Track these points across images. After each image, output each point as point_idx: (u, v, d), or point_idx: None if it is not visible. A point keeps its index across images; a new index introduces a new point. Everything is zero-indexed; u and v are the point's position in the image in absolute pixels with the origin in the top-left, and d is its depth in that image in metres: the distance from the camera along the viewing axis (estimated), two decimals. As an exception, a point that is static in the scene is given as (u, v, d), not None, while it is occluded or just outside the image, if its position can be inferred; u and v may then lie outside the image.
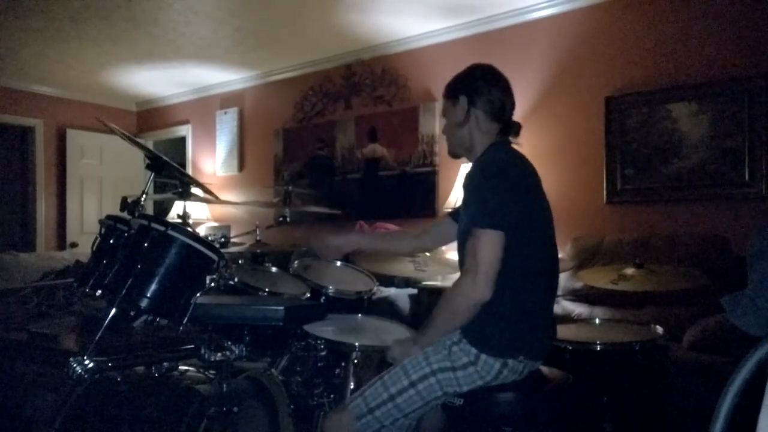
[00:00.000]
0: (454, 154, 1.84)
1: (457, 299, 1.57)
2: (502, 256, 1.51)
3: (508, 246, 1.53)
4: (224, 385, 1.70)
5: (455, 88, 1.78)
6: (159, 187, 6.05)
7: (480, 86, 1.73)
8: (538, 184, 1.70)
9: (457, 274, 1.64)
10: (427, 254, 2.53)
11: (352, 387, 2.06)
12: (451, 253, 2.86)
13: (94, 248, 1.71)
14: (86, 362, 1.47)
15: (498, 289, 1.53)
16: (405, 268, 2.47)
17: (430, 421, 1.81)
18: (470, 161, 1.76)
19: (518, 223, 1.54)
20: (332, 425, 1.66)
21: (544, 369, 1.81)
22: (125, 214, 1.72)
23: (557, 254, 1.78)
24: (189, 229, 1.73)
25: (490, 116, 1.72)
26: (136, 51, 5.25)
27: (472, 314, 1.55)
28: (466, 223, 1.60)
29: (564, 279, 3.52)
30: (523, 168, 1.67)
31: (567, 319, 3.12)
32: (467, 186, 1.65)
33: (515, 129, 1.76)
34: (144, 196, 1.79)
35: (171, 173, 1.98)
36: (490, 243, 1.50)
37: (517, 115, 4.69)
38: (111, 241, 1.66)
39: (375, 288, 2.63)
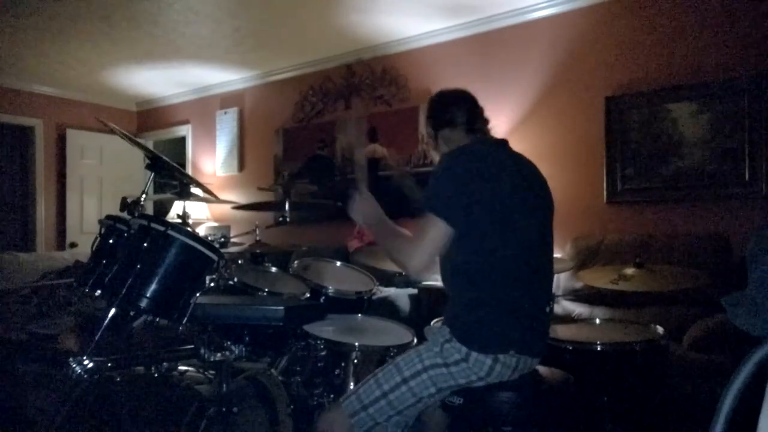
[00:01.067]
0: None
1: (400, 256, 1.66)
2: (443, 247, 1.62)
3: (481, 241, 1.59)
4: (224, 386, 1.72)
5: (426, 124, 1.97)
6: (159, 187, 6.05)
7: (437, 112, 1.91)
8: (510, 175, 1.68)
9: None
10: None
11: (351, 387, 2.06)
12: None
13: (93, 248, 1.71)
14: (86, 362, 1.48)
15: (479, 285, 1.59)
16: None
17: (431, 421, 1.82)
18: None
19: (474, 213, 1.58)
20: (326, 423, 1.68)
21: (545, 369, 1.82)
22: (125, 214, 1.73)
23: (547, 249, 1.77)
24: (189, 229, 1.73)
25: (453, 127, 1.85)
26: (136, 51, 5.25)
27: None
28: (427, 198, 1.65)
29: (564, 279, 3.52)
30: (490, 161, 1.68)
31: (567, 319, 3.12)
32: (440, 166, 1.71)
33: (480, 122, 1.87)
34: (144, 196, 1.79)
35: (171, 173, 1.98)
36: (438, 231, 1.59)
37: (517, 116, 4.70)
38: (111, 241, 1.66)
39: (375, 288, 2.63)
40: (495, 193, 1.61)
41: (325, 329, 2.19)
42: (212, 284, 1.66)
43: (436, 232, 1.59)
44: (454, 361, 1.59)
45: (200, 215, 6.15)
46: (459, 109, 1.85)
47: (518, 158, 1.79)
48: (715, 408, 0.63)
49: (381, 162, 5.03)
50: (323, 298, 2.41)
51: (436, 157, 1.95)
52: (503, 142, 1.81)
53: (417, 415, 1.74)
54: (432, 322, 2.25)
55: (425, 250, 1.60)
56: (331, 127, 5.38)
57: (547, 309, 1.77)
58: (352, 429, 1.63)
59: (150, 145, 6.80)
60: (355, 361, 2.12)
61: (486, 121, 1.88)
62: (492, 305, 1.60)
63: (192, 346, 1.76)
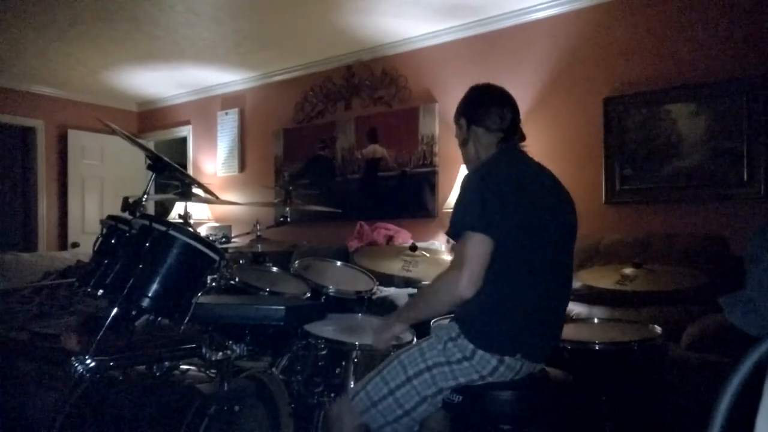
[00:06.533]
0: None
1: (441, 292, 1.64)
2: (488, 259, 1.57)
3: (504, 246, 1.57)
4: (225, 384, 1.73)
5: (457, 112, 1.89)
6: (160, 188, 6.06)
7: (476, 106, 1.84)
8: (536, 187, 1.72)
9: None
10: (426, 254, 2.55)
11: (352, 386, 2.07)
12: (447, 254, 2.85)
13: (95, 248, 1.72)
14: (88, 361, 1.48)
15: (497, 286, 1.59)
16: (395, 266, 2.50)
17: (431, 418, 1.83)
18: None
19: (507, 225, 1.58)
20: (335, 413, 1.72)
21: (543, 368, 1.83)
22: (126, 215, 1.73)
23: (567, 257, 1.77)
24: (190, 229, 1.74)
25: (489, 130, 1.80)
26: (138, 52, 5.27)
27: (453, 308, 1.63)
28: (455, 223, 1.64)
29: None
30: (517, 172, 1.70)
31: (566, 318, 3.13)
32: (461, 186, 1.71)
33: (519, 136, 1.83)
34: (145, 196, 1.79)
35: (172, 174, 1.98)
36: (477, 245, 1.56)
37: (517, 116, 4.61)
38: (112, 241, 1.67)
39: (375, 288, 2.65)
40: (524, 206, 1.62)
41: (325, 329, 2.20)
42: (213, 284, 1.66)
43: (480, 249, 1.55)
44: (457, 359, 1.61)
45: (201, 215, 6.17)
46: (502, 117, 1.79)
47: (542, 168, 1.80)
48: (713, 408, 0.63)
49: (381, 162, 5.05)
50: (324, 297, 2.42)
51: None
52: (525, 152, 1.83)
53: (423, 419, 1.75)
54: (431, 322, 2.26)
55: (473, 269, 1.54)
56: (332, 128, 5.40)
57: (562, 318, 1.79)
58: (362, 425, 1.68)
59: (151, 145, 6.82)
60: (356, 360, 2.13)
61: (523, 137, 1.84)
62: (507, 308, 1.61)
63: (193, 346, 1.77)
